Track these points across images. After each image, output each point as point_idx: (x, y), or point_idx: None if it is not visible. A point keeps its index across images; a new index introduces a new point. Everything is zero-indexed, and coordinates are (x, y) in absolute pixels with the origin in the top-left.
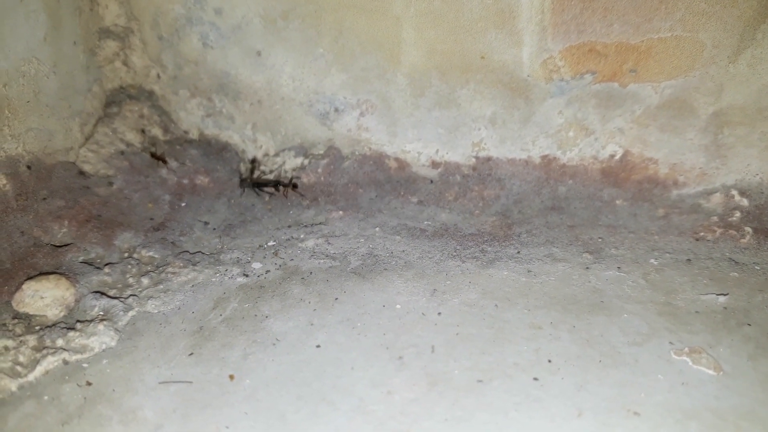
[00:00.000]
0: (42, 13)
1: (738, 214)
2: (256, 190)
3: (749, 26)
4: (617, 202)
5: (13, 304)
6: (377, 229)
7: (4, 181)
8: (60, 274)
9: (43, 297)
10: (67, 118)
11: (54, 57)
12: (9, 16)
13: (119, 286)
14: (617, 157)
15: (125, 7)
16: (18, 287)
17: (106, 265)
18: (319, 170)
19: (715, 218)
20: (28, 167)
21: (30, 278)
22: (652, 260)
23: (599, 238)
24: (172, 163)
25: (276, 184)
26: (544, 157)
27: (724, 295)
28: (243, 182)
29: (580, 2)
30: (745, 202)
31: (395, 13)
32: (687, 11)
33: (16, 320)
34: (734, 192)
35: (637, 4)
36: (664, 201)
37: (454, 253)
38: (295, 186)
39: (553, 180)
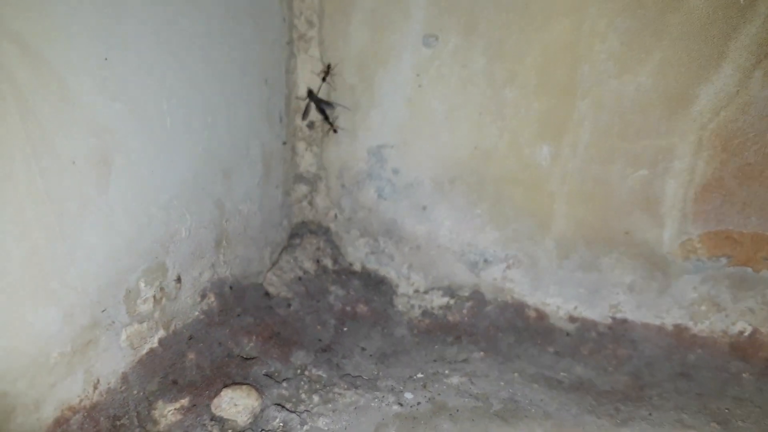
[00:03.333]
0: (260, 164)
1: None
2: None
3: None
4: (744, 375)
5: (212, 407)
6: (516, 374)
7: (212, 299)
8: (251, 385)
9: (237, 404)
10: (263, 248)
11: (261, 198)
12: (239, 166)
13: (294, 400)
14: (746, 333)
15: (318, 158)
16: (217, 393)
17: (284, 380)
18: (464, 311)
19: None
20: (230, 288)
21: (227, 386)
22: None
23: (726, 409)
24: (338, 290)
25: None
26: (676, 326)
27: None
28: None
29: (721, 196)
30: None
31: (550, 189)
32: None
33: (213, 422)
34: None
35: None
36: None
37: (590, 409)
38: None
39: (683, 348)
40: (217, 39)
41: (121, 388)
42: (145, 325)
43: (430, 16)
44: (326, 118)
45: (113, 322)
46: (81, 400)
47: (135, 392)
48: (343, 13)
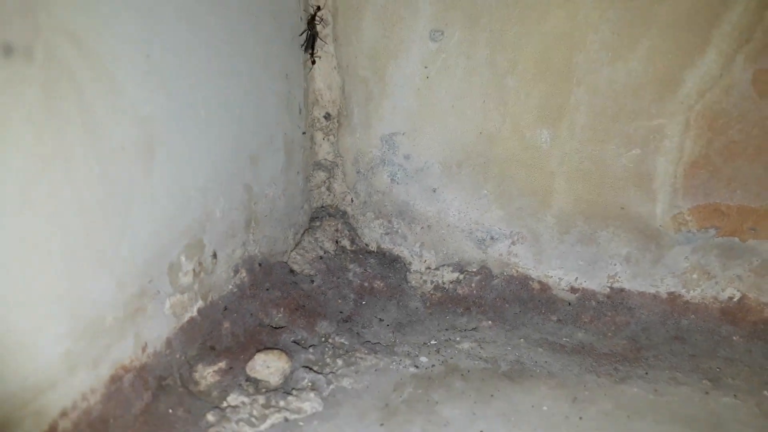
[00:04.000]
0: (282, 152)
1: None
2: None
3: None
4: (734, 338)
5: (247, 369)
6: (522, 340)
7: (244, 274)
8: (281, 350)
9: (269, 367)
10: (286, 229)
11: (285, 183)
12: (264, 153)
13: (320, 364)
14: (735, 299)
15: (335, 147)
16: (251, 357)
17: (310, 346)
18: (472, 285)
19: None
20: (260, 264)
21: (259, 351)
22: (765, 392)
23: (717, 368)
24: (356, 268)
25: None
26: (670, 293)
27: None
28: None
29: (708, 172)
30: None
31: (551, 168)
32: None
33: (248, 382)
34: None
35: (758, 176)
36: None
37: (591, 369)
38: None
39: (677, 313)
40: (242, 37)
41: (165, 351)
42: (186, 295)
43: (436, 11)
44: (312, 47)
45: (158, 292)
46: (132, 361)
47: (177, 356)
48: (355, 11)
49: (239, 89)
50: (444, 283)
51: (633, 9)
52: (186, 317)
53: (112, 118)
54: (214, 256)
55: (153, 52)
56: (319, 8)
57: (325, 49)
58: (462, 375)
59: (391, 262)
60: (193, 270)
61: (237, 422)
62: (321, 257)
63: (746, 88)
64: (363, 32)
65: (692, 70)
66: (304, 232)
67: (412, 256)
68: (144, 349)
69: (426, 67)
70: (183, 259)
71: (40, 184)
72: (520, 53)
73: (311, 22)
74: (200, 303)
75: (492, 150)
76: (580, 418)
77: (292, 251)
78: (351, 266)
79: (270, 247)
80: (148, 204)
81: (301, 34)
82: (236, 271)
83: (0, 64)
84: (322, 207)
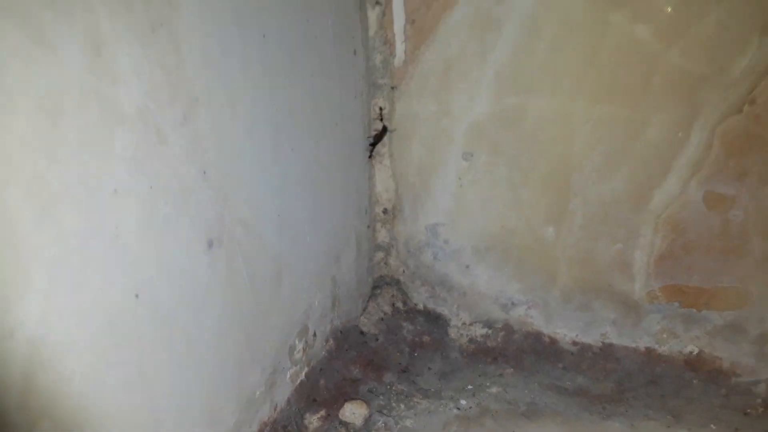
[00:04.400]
0: (354, 246)
1: None
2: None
3: None
4: (694, 381)
5: (339, 415)
6: (536, 384)
7: (331, 342)
8: (361, 399)
9: (354, 413)
10: (357, 300)
11: (356, 267)
12: (344, 250)
13: (388, 408)
14: (695, 353)
15: (390, 233)
16: (341, 406)
17: (380, 394)
18: (498, 339)
19: (760, 400)
20: (341, 332)
21: (347, 400)
22: (713, 425)
23: (680, 406)
24: (409, 326)
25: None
26: (647, 348)
27: None
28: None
29: (672, 263)
30: None
31: (555, 255)
32: (742, 275)
33: (341, 425)
34: None
35: (709, 266)
36: (726, 385)
37: (586, 407)
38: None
39: (652, 363)
40: (335, 173)
41: (286, 407)
42: (298, 366)
43: (467, 141)
44: (375, 144)
45: (283, 368)
46: (269, 418)
47: (293, 409)
48: (406, 138)
49: (332, 212)
50: (476, 337)
51: (616, 144)
52: (298, 381)
53: (259, 261)
54: (314, 334)
55: (282, 213)
56: (381, 109)
57: (383, 162)
58: (492, 415)
59: (435, 320)
60: (303, 348)
61: None
62: (382, 318)
63: (698, 204)
64: (412, 152)
65: (659, 190)
66: (368, 299)
67: (451, 314)
68: (275, 409)
69: (460, 179)
70: (297, 341)
71: (223, 317)
72: (531, 173)
73: (378, 136)
74: (306, 369)
75: (511, 240)
76: None
77: (361, 316)
78: (404, 324)
79: (347, 317)
80: (277, 310)
81: (377, 134)
82: (326, 341)
83: (206, 253)
84: (381, 277)
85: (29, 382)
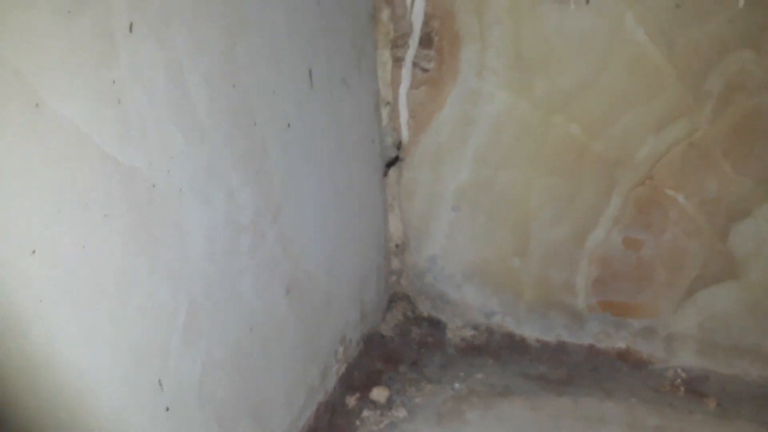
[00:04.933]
0: (375, 274)
1: (679, 380)
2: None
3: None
4: (623, 368)
5: (370, 396)
6: (509, 372)
7: (361, 345)
8: (384, 385)
9: (380, 395)
10: (377, 311)
11: (376, 289)
12: (367, 279)
13: (403, 390)
14: (624, 348)
15: (401, 261)
16: (370, 390)
17: (397, 381)
18: (483, 338)
19: (668, 381)
20: (367, 336)
21: (374, 386)
22: (633, 399)
23: (612, 386)
24: (416, 330)
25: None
26: (590, 345)
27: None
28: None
29: (604, 286)
30: (683, 375)
31: (521, 280)
32: (652, 294)
33: (371, 404)
34: (679, 370)
35: (628, 288)
36: (645, 371)
37: (545, 389)
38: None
39: (593, 355)
40: (362, 223)
41: (333, 392)
42: (340, 363)
43: (454, 198)
44: (391, 165)
45: (331, 366)
46: (322, 399)
47: (337, 393)
48: (411, 194)
49: (361, 253)
50: (467, 337)
51: (560, 203)
52: (340, 374)
53: (316, 296)
54: (350, 340)
55: (330, 261)
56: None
57: (395, 211)
58: (477, 395)
59: (436, 324)
60: (343, 350)
61: (368, 425)
62: (397, 324)
63: (619, 245)
64: (415, 204)
65: (591, 235)
66: (386, 310)
67: (448, 320)
68: (326, 393)
69: (450, 224)
70: (339, 347)
71: (295, 335)
72: (502, 221)
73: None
74: (345, 365)
75: (489, 268)
76: (536, 413)
77: (381, 323)
78: (413, 328)
79: (371, 325)
80: (327, 327)
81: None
82: (358, 344)
83: (285, 297)
84: (395, 293)
85: None
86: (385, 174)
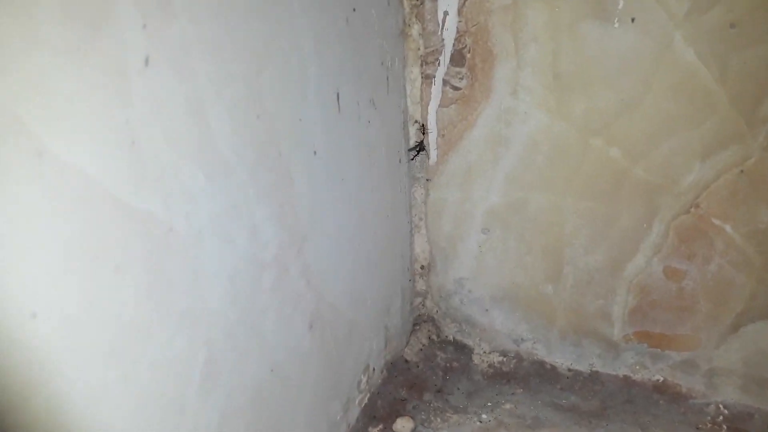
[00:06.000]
0: (400, 298)
1: (721, 417)
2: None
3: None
4: (660, 402)
5: (393, 428)
6: (539, 402)
7: (385, 372)
8: (408, 415)
9: (404, 426)
10: (401, 336)
11: (401, 313)
12: (392, 303)
13: (428, 421)
14: (661, 381)
15: (426, 283)
16: (394, 421)
17: (422, 411)
18: (511, 365)
19: (709, 417)
20: (391, 363)
21: (398, 417)
22: None
23: (648, 420)
24: (442, 354)
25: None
26: (624, 376)
27: None
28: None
29: (641, 315)
30: (726, 412)
31: (554, 306)
32: (693, 326)
33: None
34: (721, 406)
35: (668, 319)
36: (684, 405)
37: (577, 421)
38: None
39: (628, 387)
40: (388, 246)
41: (356, 424)
42: (363, 393)
43: (484, 220)
44: (418, 153)
45: (353, 397)
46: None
47: (360, 425)
48: (438, 215)
49: (385, 277)
50: (494, 363)
51: (596, 229)
52: (363, 404)
53: (338, 327)
54: (373, 369)
55: (353, 292)
56: (424, 126)
57: (421, 231)
58: (505, 427)
59: (462, 349)
60: (366, 380)
61: None
62: (421, 349)
63: (659, 274)
64: (442, 225)
65: (630, 263)
66: (410, 334)
67: (474, 345)
68: (348, 426)
69: (480, 246)
70: (362, 376)
71: (318, 369)
72: (534, 245)
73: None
74: (368, 395)
75: (519, 293)
76: None
77: (405, 348)
78: (438, 353)
79: (395, 351)
80: (350, 357)
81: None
82: (381, 372)
83: (308, 331)
84: (419, 316)
85: None
86: (412, 159)
